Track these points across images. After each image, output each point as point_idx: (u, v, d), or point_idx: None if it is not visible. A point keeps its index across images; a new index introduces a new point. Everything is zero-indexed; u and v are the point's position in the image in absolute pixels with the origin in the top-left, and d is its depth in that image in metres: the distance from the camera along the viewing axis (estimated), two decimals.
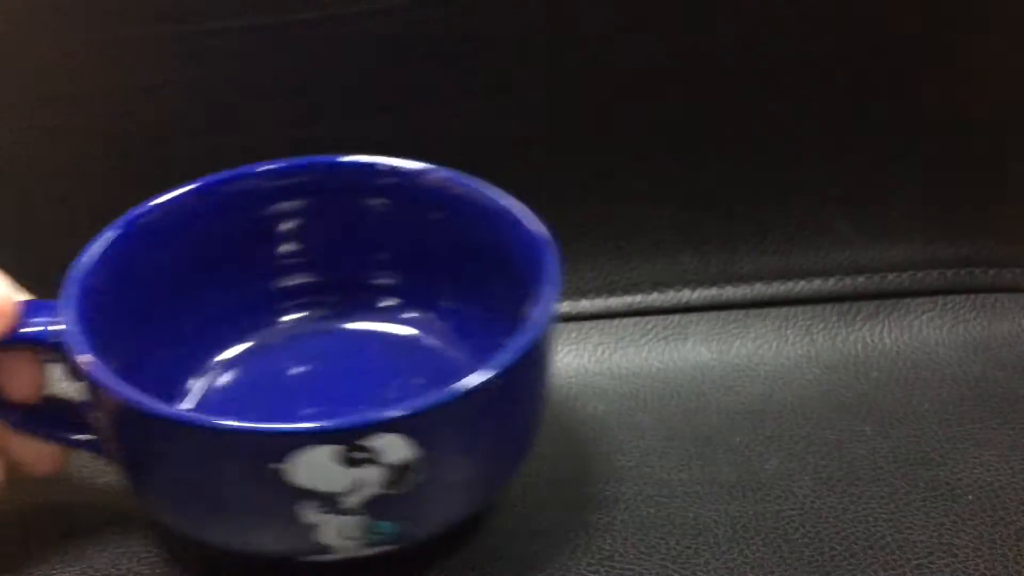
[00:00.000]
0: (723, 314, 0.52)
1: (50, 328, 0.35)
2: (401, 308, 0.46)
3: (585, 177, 0.51)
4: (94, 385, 0.34)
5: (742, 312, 0.52)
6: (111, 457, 0.37)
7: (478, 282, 0.44)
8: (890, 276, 0.52)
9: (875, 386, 0.48)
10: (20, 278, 0.51)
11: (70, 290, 0.37)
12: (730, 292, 0.52)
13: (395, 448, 0.33)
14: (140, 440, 0.35)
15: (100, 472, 0.42)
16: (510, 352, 0.35)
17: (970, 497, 0.41)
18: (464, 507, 0.37)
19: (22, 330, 0.35)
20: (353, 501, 0.34)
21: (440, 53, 0.49)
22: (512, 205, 0.41)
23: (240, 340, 0.45)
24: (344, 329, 0.46)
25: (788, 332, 0.51)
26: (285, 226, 0.45)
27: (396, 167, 0.44)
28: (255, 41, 0.48)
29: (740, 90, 0.50)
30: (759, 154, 0.51)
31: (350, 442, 0.32)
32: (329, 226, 0.45)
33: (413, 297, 0.46)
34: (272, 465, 0.32)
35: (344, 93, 0.49)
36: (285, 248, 0.45)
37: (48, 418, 0.38)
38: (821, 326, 0.51)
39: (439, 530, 0.37)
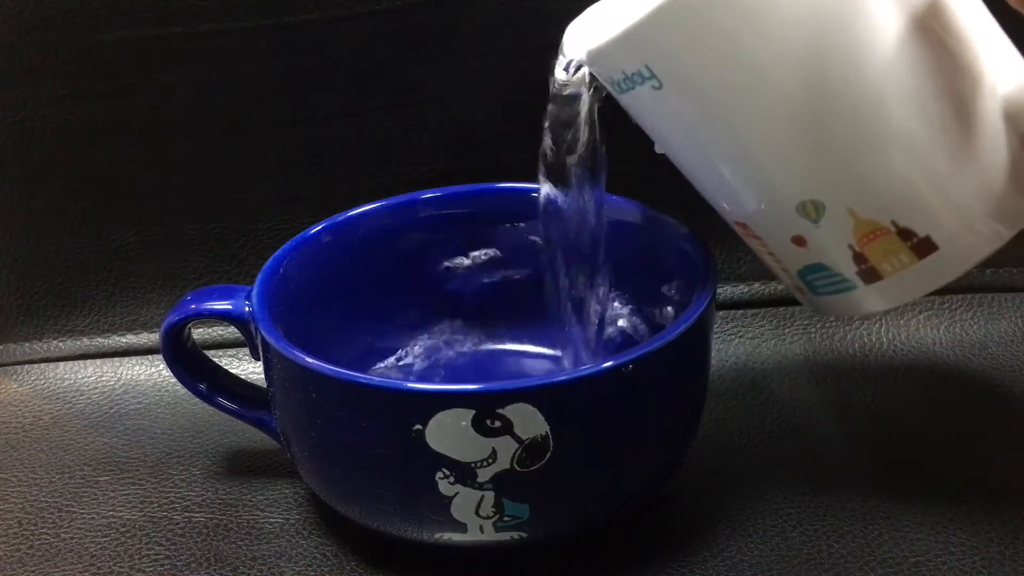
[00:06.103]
0: (721, 313, 0.52)
1: (244, 308, 0.40)
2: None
3: None
4: (267, 346, 0.37)
5: (740, 311, 0.52)
6: (278, 429, 0.40)
7: (637, 300, 0.44)
8: None
9: (873, 385, 0.48)
10: (21, 271, 0.52)
11: (261, 277, 0.41)
12: (729, 291, 0.52)
13: (530, 420, 0.34)
14: (302, 399, 0.37)
15: None
16: (649, 344, 0.35)
17: (967, 495, 0.41)
18: (596, 502, 0.37)
19: (217, 306, 0.40)
20: (486, 474, 0.34)
21: (439, 53, 0.49)
22: (669, 224, 0.42)
23: (403, 348, 0.47)
24: (504, 349, 0.48)
25: (786, 331, 0.51)
26: (451, 248, 0.47)
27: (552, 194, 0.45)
28: (255, 41, 0.49)
29: None
30: None
31: (487, 407, 0.33)
32: (495, 247, 0.47)
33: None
34: (415, 425, 0.34)
35: (344, 93, 0.50)
36: (449, 265, 0.47)
37: (230, 394, 0.43)
38: (819, 326, 0.51)
39: (572, 525, 0.37)
